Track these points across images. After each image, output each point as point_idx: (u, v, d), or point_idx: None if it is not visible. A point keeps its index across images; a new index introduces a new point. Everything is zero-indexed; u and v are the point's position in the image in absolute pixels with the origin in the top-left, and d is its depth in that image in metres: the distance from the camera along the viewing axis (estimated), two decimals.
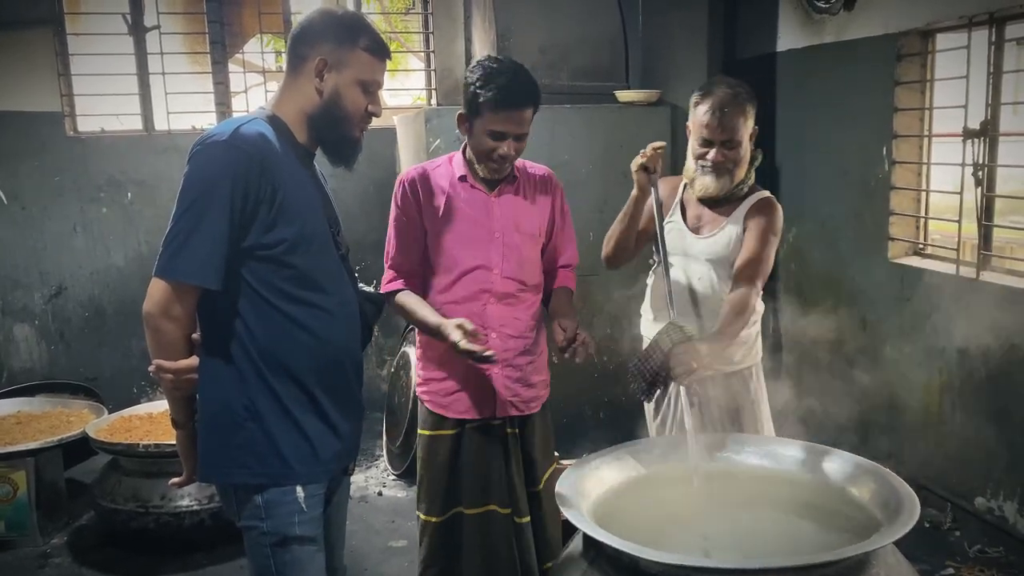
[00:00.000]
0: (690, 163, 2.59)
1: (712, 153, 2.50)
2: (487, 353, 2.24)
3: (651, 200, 2.55)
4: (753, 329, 2.65)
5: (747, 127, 2.52)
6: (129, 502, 3.53)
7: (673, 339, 2.23)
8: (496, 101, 2.31)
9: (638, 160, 2.48)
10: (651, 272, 2.80)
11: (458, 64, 5.29)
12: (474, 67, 2.38)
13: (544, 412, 2.62)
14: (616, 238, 2.65)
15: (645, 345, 2.46)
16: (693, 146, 2.56)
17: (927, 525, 3.61)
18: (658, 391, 2.36)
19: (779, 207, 2.61)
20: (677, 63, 4.52)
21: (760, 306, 2.63)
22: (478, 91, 2.32)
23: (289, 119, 1.93)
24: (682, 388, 2.26)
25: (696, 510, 2.07)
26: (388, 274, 2.55)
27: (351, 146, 1.99)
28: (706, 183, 2.54)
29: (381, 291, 2.49)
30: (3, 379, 5.03)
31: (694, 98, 2.54)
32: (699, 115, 2.51)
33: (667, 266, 2.49)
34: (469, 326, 2.28)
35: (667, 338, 2.24)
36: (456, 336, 2.26)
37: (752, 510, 2.06)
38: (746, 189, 2.60)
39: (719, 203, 2.59)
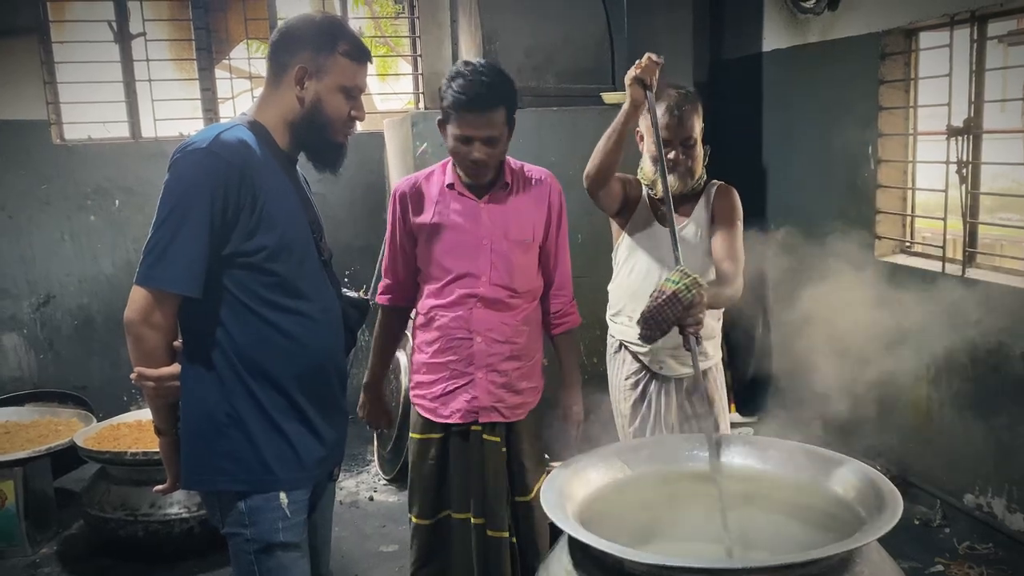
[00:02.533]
0: (648, 165, 2.65)
1: (672, 153, 2.56)
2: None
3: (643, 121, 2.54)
4: (718, 324, 2.75)
5: (699, 125, 2.61)
6: (118, 510, 3.52)
7: (693, 294, 2.23)
8: (458, 104, 2.30)
9: (632, 72, 2.38)
10: (614, 277, 2.81)
11: (445, 68, 5.27)
12: (450, 72, 2.38)
13: (534, 418, 2.58)
14: (601, 158, 2.53)
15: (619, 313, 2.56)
16: (651, 148, 2.60)
17: (916, 522, 3.62)
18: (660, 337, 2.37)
19: (735, 192, 2.70)
20: (664, 65, 4.53)
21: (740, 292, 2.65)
22: (444, 95, 2.34)
23: (271, 125, 1.93)
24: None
25: (681, 511, 2.08)
26: (382, 284, 2.62)
27: (335, 151, 1.99)
28: (669, 182, 2.54)
29: (375, 300, 2.54)
30: None
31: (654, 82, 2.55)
32: (657, 119, 2.51)
33: (668, 192, 2.41)
34: (361, 411, 2.69)
35: (687, 292, 2.23)
36: (359, 412, 2.68)
37: (737, 510, 2.06)
38: (702, 183, 2.69)
39: (681, 199, 2.64)
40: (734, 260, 2.58)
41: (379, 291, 2.63)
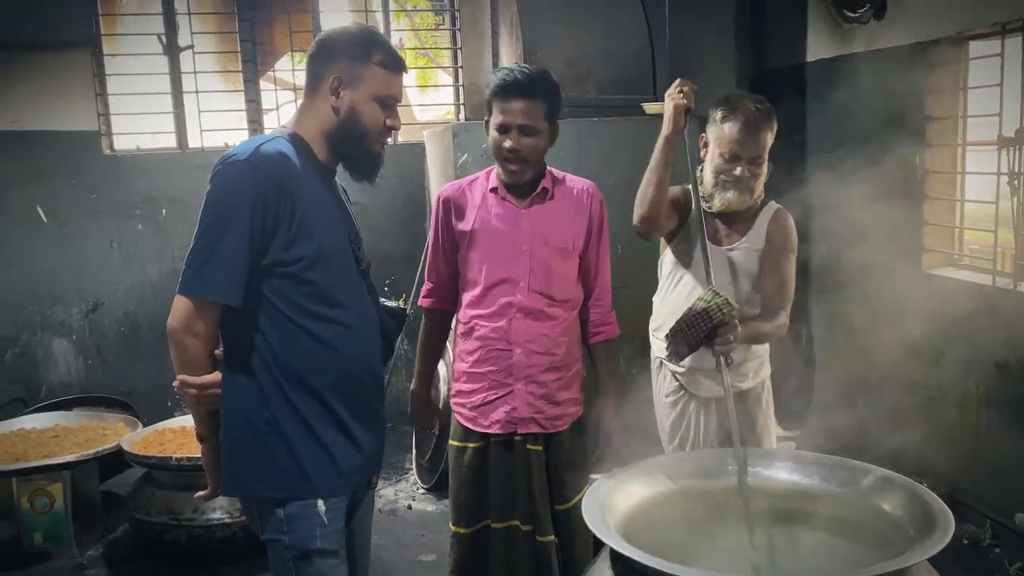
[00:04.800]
0: (708, 177, 2.56)
1: (739, 169, 2.48)
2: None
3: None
4: (765, 346, 2.67)
5: (771, 142, 2.53)
6: (162, 515, 3.57)
7: (724, 314, 2.24)
8: (496, 91, 2.38)
9: (678, 99, 2.36)
10: (660, 290, 2.76)
11: (486, 79, 5.31)
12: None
13: (576, 430, 2.57)
14: (650, 201, 2.45)
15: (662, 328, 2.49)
16: (716, 161, 2.52)
17: (965, 542, 3.52)
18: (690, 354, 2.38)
19: (791, 218, 2.63)
20: (705, 75, 4.49)
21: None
22: (488, 87, 2.42)
23: (309, 137, 1.95)
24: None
25: (726, 526, 2.04)
26: (425, 287, 2.65)
27: (372, 161, 2.00)
28: (728, 198, 2.51)
29: (418, 303, 2.61)
30: (42, 393, 5.12)
31: (718, 112, 2.51)
32: (727, 131, 2.47)
33: (702, 219, 2.43)
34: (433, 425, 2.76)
35: (719, 312, 2.24)
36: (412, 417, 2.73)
37: (783, 526, 2.03)
38: (759, 202, 2.60)
39: (736, 217, 2.58)
40: (782, 295, 2.51)
41: (421, 294, 2.66)
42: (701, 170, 2.59)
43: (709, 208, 2.57)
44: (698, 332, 2.25)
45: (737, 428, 2.18)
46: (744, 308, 2.51)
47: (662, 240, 2.73)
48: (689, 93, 2.37)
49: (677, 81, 2.39)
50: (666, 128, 2.39)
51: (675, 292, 2.66)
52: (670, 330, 2.32)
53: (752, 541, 1.96)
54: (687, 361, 2.49)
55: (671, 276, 2.68)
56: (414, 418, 2.78)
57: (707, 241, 2.52)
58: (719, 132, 2.50)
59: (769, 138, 2.50)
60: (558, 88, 2.45)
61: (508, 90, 2.35)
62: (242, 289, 1.83)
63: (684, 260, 2.64)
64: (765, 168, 2.54)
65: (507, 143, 2.37)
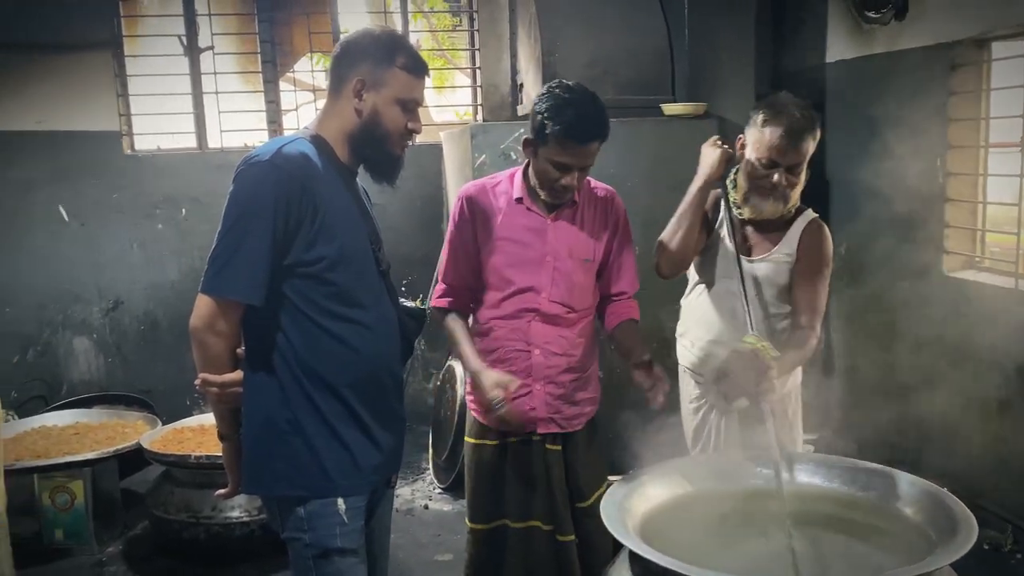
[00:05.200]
0: (743, 182, 2.48)
1: (776, 176, 2.39)
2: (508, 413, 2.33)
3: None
4: None
5: (812, 151, 2.43)
6: (181, 512, 3.60)
7: (772, 359, 2.16)
8: (563, 135, 2.26)
9: (721, 146, 2.35)
10: (687, 292, 2.74)
11: (504, 80, 5.32)
12: (544, 94, 2.32)
13: (591, 429, 2.58)
14: (681, 240, 2.44)
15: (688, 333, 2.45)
16: (752, 166, 2.42)
17: (986, 547, 3.49)
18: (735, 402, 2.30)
19: (828, 231, 2.53)
20: (724, 75, 4.48)
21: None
22: (546, 121, 2.27)
23: (331, 138, 1.96)
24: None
25: (747, 530, 2.04)
26: (439, 288, 2.57)
27: (392, 164, 2.01)
28: (761, 206, 2.44)
29: (430, 304, 2.52)
30: (63, 391, 5.18)
31: (760, 116, 2.40)
32: (767, 136, 2.37)
33: (742, 271, 2.38)
34: (512, 385, 2.32)
35: (767, 353, 2.16)
36: (495, 395, 2.30)
37: (803, 529, 2.02)
38: (793, 211, 2.51)
39: (767, 225, 2.51)
40: (813, 312, 2.40)
41: (436, 294, 2.56)
42: (735, 173, 2.52)
43: (740, 215, 2.50)
44: (751, 377, 2.15)
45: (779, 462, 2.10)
46: (769, 321, 2.48)
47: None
48: (729, 148, 2.36)
49: (716, 137, 2.38)
50: (703, 176, 2.38)
51: (700, 299, 2.63)
52: (717, 371, 2.25)
53: (793, 550, 1.92)
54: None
55: (699, 282, 2.64)
56: (493, 394, 2.33)
57: (738, 254, 2.46)
58: (759, 136, 2.39)
59: (811, 146, 2.40)
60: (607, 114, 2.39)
61: (576, 135, 2.26)
62: (264, 289, 1.85)
63: (709, 268, 2.58)
64: (803, 176, 2.45)
65: (565, 180, 2.32)
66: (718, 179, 2.38)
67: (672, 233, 2.49)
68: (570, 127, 2.25)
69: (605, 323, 2.57)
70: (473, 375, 2.41)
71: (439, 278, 2.58)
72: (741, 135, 2.50)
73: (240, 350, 1.93)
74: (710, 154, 2.40)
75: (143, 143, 5.37)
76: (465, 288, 2.54)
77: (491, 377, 2.34)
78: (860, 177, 4.33)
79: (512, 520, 2.53)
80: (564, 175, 2.32)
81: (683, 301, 2.75)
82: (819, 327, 2.43)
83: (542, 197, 2.43)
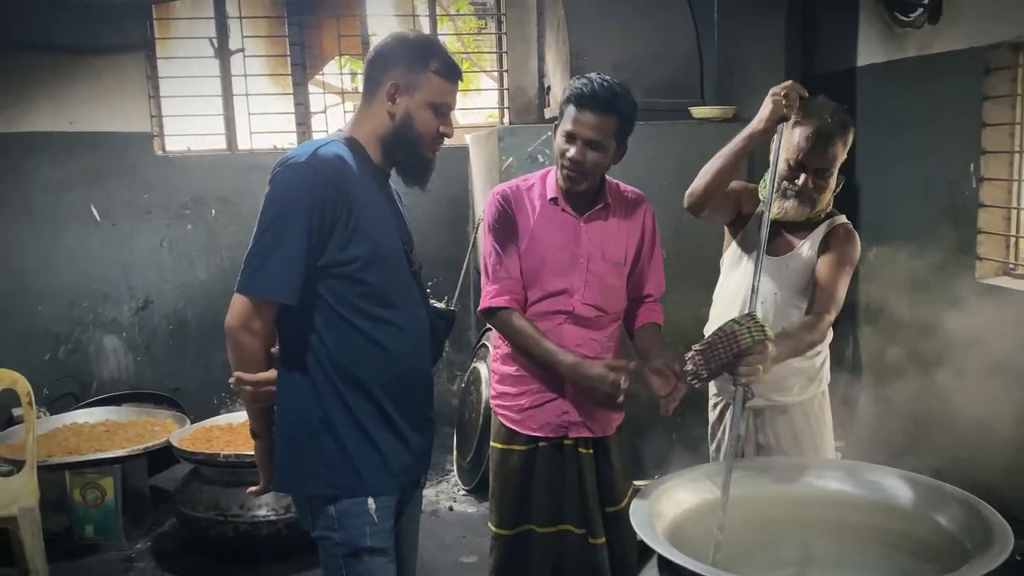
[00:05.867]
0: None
1: (802, 179, 2.36)
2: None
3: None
4: (816, 360, 2.55)
5: (843, 156, 2.40)
6: (209, 510, 3.63)
7: (754, 338, 2.07)
8: (571, 98, 2.33)
9: (779, 103, 2.17)
10: (716, 291, 2.73)
11: (531, 83, 5.33)
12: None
13: (621, 433, 2.57)
14: (711, 178, 2.35)
15: (711, 330, 2.33)
16: (781, 166, 2.37)
17: (1019, 558, 3.43)
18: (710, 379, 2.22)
19: (856, 235, 2.49)
20: (753, 79, 4.45)
21: (829, 335, 2.53)
22: (565, 92, 2.36)
23: (365, 141, 1.98)
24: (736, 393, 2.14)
25: (775, 535, 2.02)
26: (491, 288, 2.45)
27: (424, 167, 2.03)
28: (787, 207, 2.41)
29: (483, 305, 2.45)
30: (93, 388, 5.25)
31: (792, 117, 2.33)
32: (796, 137, 2.34)
33: (760, 257, 2.25)
34: (622, 364, 2.26)
35: (748, 336, 2.07)
36: (614, 378, 2.24)
37: (833, 537, 2.00)
38: (823, 214, 2.49)
39: (793, 226, 2.49)
40: (828, 299, 2.35)
41: (488, 296, 2.45)
42: (780, 176, 2.45)
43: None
44: (721, 356, 2.08)
45: (738, 442, 2.04)
46: (787, 319, 2.46)
47: (726, 234, 2.65)
48: (793, 101, 2.20)
49: (790, 83, 2.22)
50: (755, 124, 2.26)
51: (724, 294, 2.63)
52: (694, 348, 2.16)
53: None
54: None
55: (726, 277, 2.64)
56: (611, 378, 2.27)
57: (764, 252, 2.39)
58: (788, 137, 2.36)
59: (841, 151, 2.37)
60: (635, 108, 2.38)
61: (583, 100, 2.30)
62: (299, 289, 1.87)
63: (734, 263, 2.59)
64: (833, 181, 2.42)
65: (570, 152, 2.33)
66: (763, 134, 2.26)
67: (706, 170, 2.41)
68: (578, 92, 2.31)
69: (627, 325, 2.56)
70: (571, 370, 2.33)
71: (489, 278, 2.47)
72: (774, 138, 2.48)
73: (274, 349, 1.95)
74: (766, 106, 2.25)
75: (174, 144, 5.43)
76: (519, 284, 2.45)
77: (597, 367, 2.29)
78: (891, 182, 4.30)
79: (539, 525, 2.51)
80: (570, 147, 2.33)
81: (714, 295, 2.73)
82: (831, 315, 2.36)
83: (560, 184, 2.42)
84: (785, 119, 2.23)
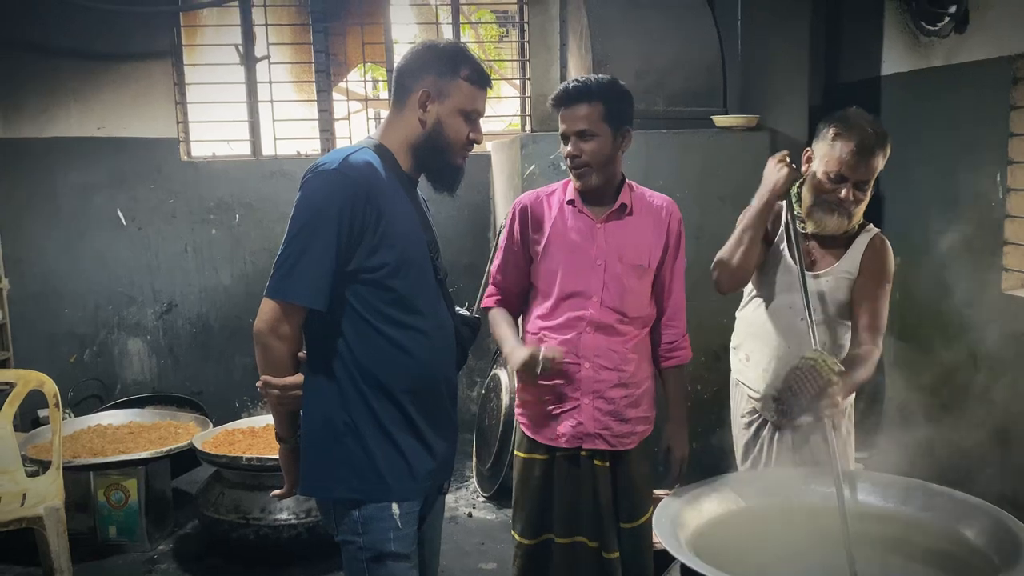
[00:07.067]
0: (806, 195, 2.47)
1: (844, 191, 2.38)
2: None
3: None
4: None
5: (882, 167, 2.43)
6: (231, 513, 3.66)
7: (833, 371, 2.18)
8: (553, 105, 2.42)
9: (788, 166, 2.36)
10: (743, 304, 2.72)
11: (553, 91, 5.32)
12: None
13: (643, 449, 2.54)
14: (741, 257, 2.43)
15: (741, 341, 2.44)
16: (819, 179, 2.41)
17: None
18: (797, 419, 2.30)
19: (890, 247, 2.52)
20: (777, 87, 4.44)
21: None
22: (548, 103, 2.47)
23: (394, 148, 2.00)
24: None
25: (799, 547, 2.01)
26: (489, 290, 2.62)
27: (454, 173, 2.05)
28: (825, 220, 2.42)
29: (480, 305, 2.57)
30: (117, 390, 5.30)
31: (831, 130, 2.39)
32: (837, 150, 2.36)
33: (806, 285, 2.36)
34: (555, 354, 2.33)
35: (828, 370, 2.18)
36: (534, 351, 2.32)
37: (858, 548, 1.99)
38: (857, 227, 2.50)
39: (830, 240, 2.49)
40: (876, 329, 2.40)
41: (486, 295, 2.62)
42: (800, 185, 2.50)
43: (802, 229, 2.49)
44: (810, 393, 2.16)
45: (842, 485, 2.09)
46: (832, 336, 2.46)
47: None
48: (791, 175, 2.38)
49: (784, 152, 2.39)
50: (767, 193, 2.38)
51: (756, 312, 2.61)
52: (777, 392, 2.27)
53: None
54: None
55: (756, 295, 2.62)
56: (525, 366, 2.36)
57: (795, 264, 2.44)
58: (828, 150, 2.38)
59: (880, 163, 2.40)
60: (622, 91, 2.42)
61: (561, 101, 2.40)
62: (328, 294, 1.88)
63: (768, 282, 2.56)
64: (870, 193, 2.44)
65: (567, 149, 2.41)
66: (781, 198, 2.38)
67: (732, 249, 2.47)
68: (552, 99, 2.42)
69: (658, 360, 2.57)
70: (509, 352, 2.43)
71: (490, 281, 2.63)
72: (808, 148, 2.49)
73: (301, 354, 1.97)
74: (775, 172, 2.38)
75: (199, 150, 5.49)
76: (514, 293, 2.58)
77: (525, 349, 2.38)
78: (916, 192, 4.27)
79: (558, 535, 2.52)
80: (566, 147, 2.42)
81: (738, 313, 2.72)
82: (880, 345, 2.41)
83: (575, 185, 2.46)
84: (797, 180, 2.38)
